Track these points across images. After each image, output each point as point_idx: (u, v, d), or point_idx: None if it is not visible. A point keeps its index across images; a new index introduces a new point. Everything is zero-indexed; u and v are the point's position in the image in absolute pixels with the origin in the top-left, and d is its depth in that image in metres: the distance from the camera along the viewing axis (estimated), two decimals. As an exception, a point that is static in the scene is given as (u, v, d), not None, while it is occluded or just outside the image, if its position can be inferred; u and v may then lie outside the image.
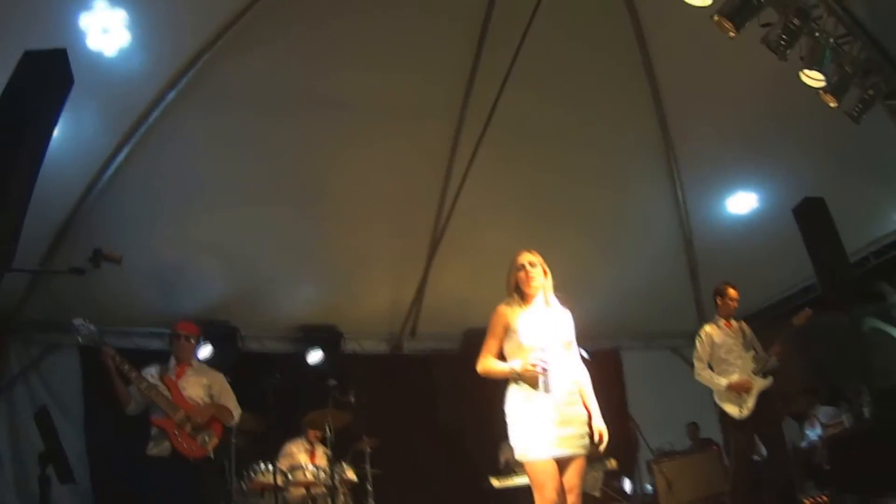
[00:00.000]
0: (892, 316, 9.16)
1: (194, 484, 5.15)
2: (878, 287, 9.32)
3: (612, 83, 8.45)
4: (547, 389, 3.89)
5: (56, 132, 5.78)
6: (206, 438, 5.23)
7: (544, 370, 3.87)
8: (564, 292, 4.31)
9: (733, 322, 6.64)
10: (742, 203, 9.33)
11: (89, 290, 7.07)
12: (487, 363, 4.14)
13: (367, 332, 9.99)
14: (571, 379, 4.10)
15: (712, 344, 6.54)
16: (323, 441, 7.63)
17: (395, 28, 7.33)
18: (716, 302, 6.78)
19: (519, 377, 3.97)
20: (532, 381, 3.91)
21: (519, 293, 4.23)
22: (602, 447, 4.10)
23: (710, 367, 6.54)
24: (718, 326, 6.63)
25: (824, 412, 9.09)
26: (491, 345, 4.17)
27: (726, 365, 6.43)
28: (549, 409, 3.88)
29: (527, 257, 4.26)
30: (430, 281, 9.51)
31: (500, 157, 8.14)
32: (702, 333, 6.66)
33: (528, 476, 3.93)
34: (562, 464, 3.88)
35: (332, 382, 7.39)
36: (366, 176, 8.42)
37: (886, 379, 8.43)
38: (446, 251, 9.16)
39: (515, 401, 4.02)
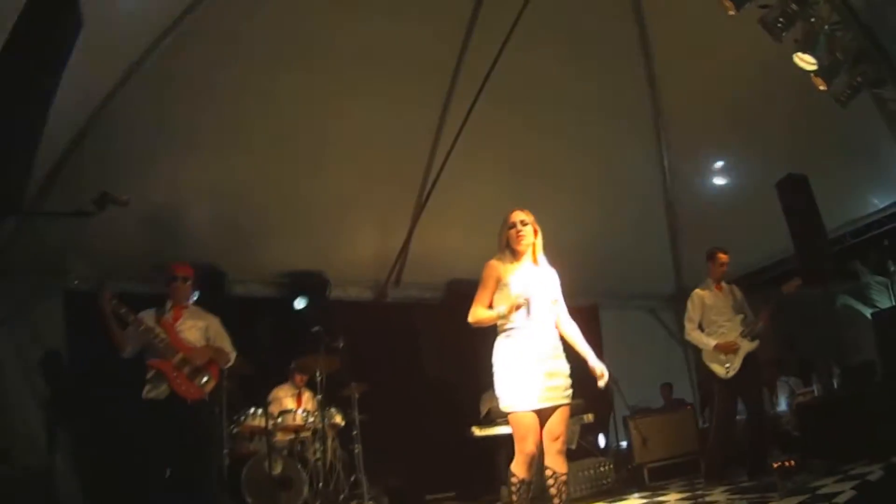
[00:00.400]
0: (864, 294, 9.47)
1: (190, 426, 5.18)
2: (852, 266, 9.63)
3: (607, 50, 8.54)
4: (529, 312, 4.10)
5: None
6: (204, 380, 5.28)
7: (526, 300, 4.08)
8: (547, 248, 4.46)
9: (724, 285, 6.88)
10: (724, 173, 9.56)
11: (75, 233, 7.13)
12: (478, 312, 4.28)
13: (353, 279, 10.02)
14: (556, 334, 4.30)
15: (703, 306, 6.78)
16: (309, 385, 7.81)
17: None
18: (708, 265, 6.99)
19: (504, 317, 4.13)
20: (516, 311, 4.11)
21: (510, 250, 4.36)
22: (602, 384, 4.32)
23: (701, 328, 6.77)
24: (710, 289, 6.86)
25: (795, 382, 9.40)
26: (483, 297, 4.31)
27: (716, 326, 6.67)
28: (535, 362, 4.08)
29: (519, 216, 4.38)
30: (417, 231, 9.48)
31: (492, 114, 8.08)
32: (694, 296, 6.91)
33: (511, 427, 4.13)
34: (547, 413, 4.08)
35: (317, 328, 7.52)
36: (359, 126, 8.39)
37: (856, 354, 8.78)
38: (434, 203, 9.10)
39: (502, 353, 4.19)
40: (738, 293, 6.89)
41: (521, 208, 4.45)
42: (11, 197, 3.58)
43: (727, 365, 6.50)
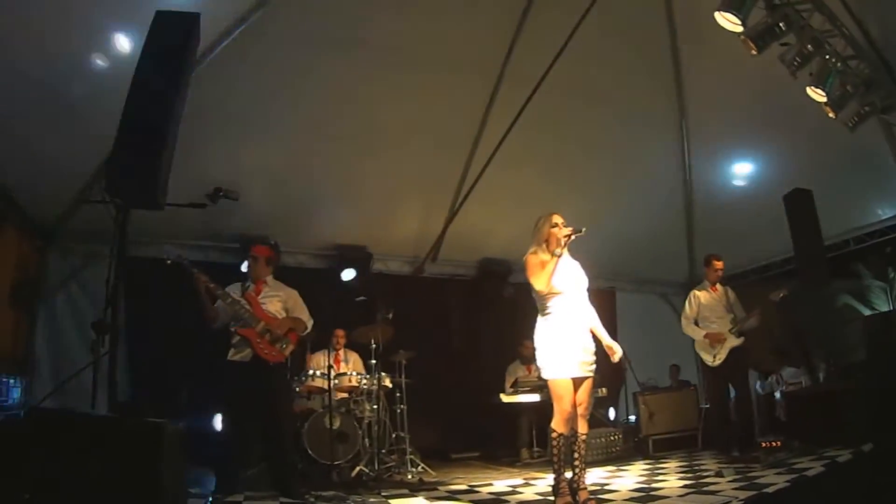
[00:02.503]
0: (864, 296, 10.25)
1: (272, 384, 6.01)
2: (856, 268, 10.39)
3: (638, 55, 9.18)
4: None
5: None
6: (284, 346, 6.06)
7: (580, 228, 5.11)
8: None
9: (719, 287, 7.86)
10: (741, 176, 10.29)
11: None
12: (540, 274, 5.09)
13: (393, 254, 10.88)
14: (587, 317, 5.25)
15: (699, 304, 7.81)
16: (348, 347, 8.75)
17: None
18: (705, 269, 8.00)
19: (559, 255, 5.09)
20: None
21: (547, 245, 5.25)
22: (616, 359, 5.30)
23: (696, 324, 7.74)
24: (706, 290, 7.86)
25: (788, 372, 10.25)
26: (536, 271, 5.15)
27: (708, 322, 7.68)
28: (572, 338, 5.04)
29: (558, 219, 5.29)
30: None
31: (529, 112, 8.52)
32: (691, 295, 7.94)
33: (551, 390, 5.11)
34: (577, 382, 5.05)
35: (362, 298, 8.35)
36: (410, 117, 9.05)
37: (853, 352, 9.45)
38: (470, 189, 9.74)
39: (545, 331, 5.13)
40: (732, 295, 7.83)
41: (556, 212, 5.36)
42: (159, 200, 4.40)
43: (714, 354, 7.48)
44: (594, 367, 5.15)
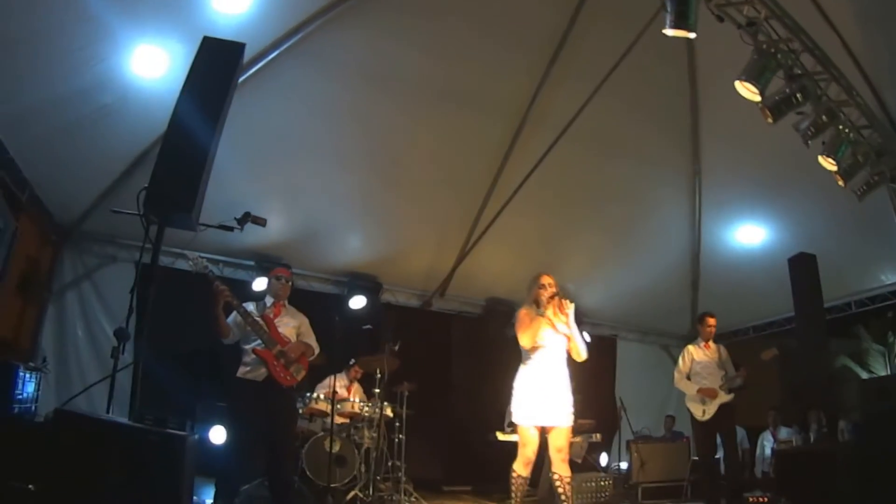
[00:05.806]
0: (862, 358, 10.38)
1: (284, 406, 6.11)
2: (856, 330, 10.51)
3: (659, 107, 9.43)
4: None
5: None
6: (297, 371, 6.17)
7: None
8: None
9: (712, 344, 8.06)
10: (749, 236, 10.44)
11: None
12: (529, 330, 5.44)
13: (404, 286, 11.11)
14: (565, 372, 5.53)
15: (692, 360, 7.99)
16: (360, 380, 8.93)
17: (484, 32, 8.17)
18: (697, 327, 8.20)
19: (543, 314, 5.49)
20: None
21: (536, 303, 5.61)
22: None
23: (688, 378, 7.93)
24: (699, 346, 8.05)
25: (784, 430, 10.37)
26: (526, 327, 5.49)
27: (700, 378, 7.84)
28: (542, 390, 5.37)
29: (548, 280, 5.69)
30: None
31: (549, 156, 8.81)
32: (685, 351, 8.14)
33: (518, 435, 5.52)
34: (550, 430, 5.38)
35: (368, 327, 8.57)
36: (431, 155, 9.33)
37: (847, 413, 9.59)
38: (485, 229, 10.03)
39: (520, 379, 5.52)
40: (724, 352, 8.02)
41: (548, 273, 5.76)
42: (194, 224, 4.56)
43: (704, 408, 7.67)
44: (569, 417, 5.40)
